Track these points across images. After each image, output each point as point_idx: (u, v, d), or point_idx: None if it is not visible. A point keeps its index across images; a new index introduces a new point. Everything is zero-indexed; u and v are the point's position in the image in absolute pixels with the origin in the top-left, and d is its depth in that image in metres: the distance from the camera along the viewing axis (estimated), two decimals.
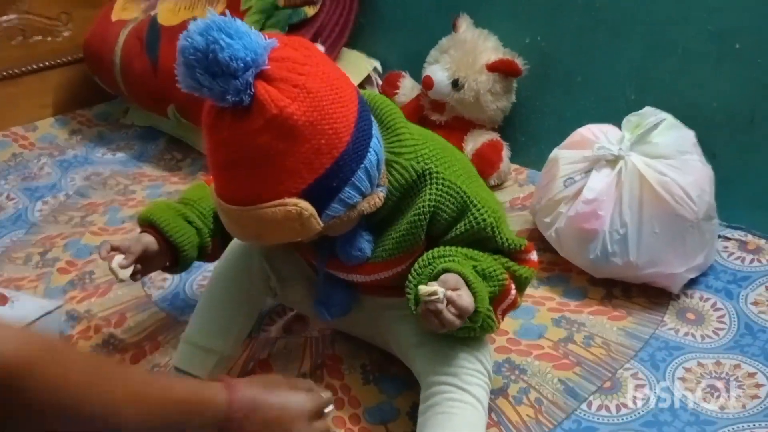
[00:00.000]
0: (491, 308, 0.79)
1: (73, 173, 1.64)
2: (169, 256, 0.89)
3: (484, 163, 1.42)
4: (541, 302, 1.10)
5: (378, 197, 0.76)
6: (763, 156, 1.18)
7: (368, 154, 0.72)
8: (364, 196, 0.74)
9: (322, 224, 0.71)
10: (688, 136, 1.10)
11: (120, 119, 1.87)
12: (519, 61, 1.39)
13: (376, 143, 0.75)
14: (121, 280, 0.84)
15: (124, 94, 1.69)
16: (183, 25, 1.46)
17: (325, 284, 0.90)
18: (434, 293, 0.71)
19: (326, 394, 0.78)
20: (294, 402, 0.73)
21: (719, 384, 0.92)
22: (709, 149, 1.14)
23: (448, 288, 0.73)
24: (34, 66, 1.81)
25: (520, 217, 1.33)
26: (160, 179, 1.60)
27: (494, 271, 0.79)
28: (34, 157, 1.70)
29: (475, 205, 0.80)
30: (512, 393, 0.92)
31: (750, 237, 1.17)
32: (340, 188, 0.71)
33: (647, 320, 1.05)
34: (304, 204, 0.69)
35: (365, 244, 0.81)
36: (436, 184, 0.79)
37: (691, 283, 1.10)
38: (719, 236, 1.16)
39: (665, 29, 1.22)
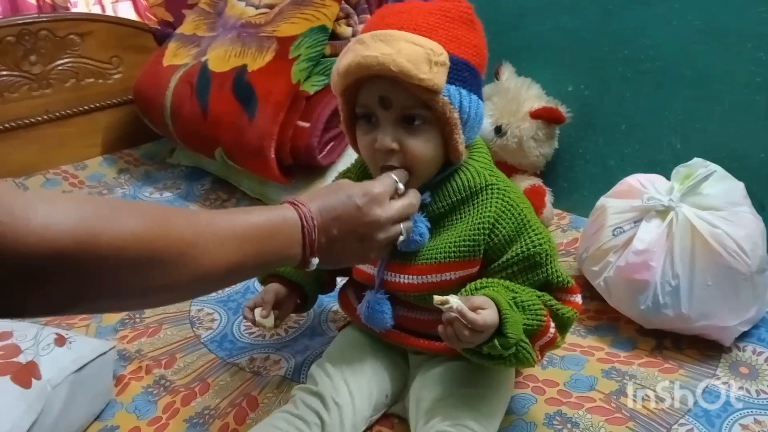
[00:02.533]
0: (527, 341, 0.79)
1: None
2: (297, 294, 0.99)
3: (531, 206, 1.43)
4: (590, 352, 1.09)
5: (463, 147, 0.82)
6: None
7: (482, 107, 0.83)
8: (467, 114, 0.79)
9: (442, 90, 0.76)
10: (739, 187, 1.10)
11: (166, 159, 1.92)
12: (562, 109, 1.41)
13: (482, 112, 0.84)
14: (270, 329, 0.92)
15: (172, 136, 1.74)
16: (233, 72, 1.54)
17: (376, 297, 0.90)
18: (446, 301, 0.72)
19: (396, 175, 0.79)
20: (358, 192, 0.74)
21: None
22: (759, 200, 1.13)
23: (472, 305, 0.73)
24: (85, 107, 1.88)
25: (564, 263, 1.33)
26: None
27: (533, 305, 0.79)
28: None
29: (533, 229, 0.83)
30: None
31: None
32: (466, 84, 0.78)
33: (700, 374, 1.03)
34: (446, 55, 0.76)
35: (424, 229, 0.83)
36: (501, 199, 0.83)
37: (744, 336, 1.08)
38: None
39: (711, 81, 1.23)
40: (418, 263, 0.85)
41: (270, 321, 0.90)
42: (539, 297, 0.82)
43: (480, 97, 0.82)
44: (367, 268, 0.91)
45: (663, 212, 1.07)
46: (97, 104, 1.90)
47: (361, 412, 0.90)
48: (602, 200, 1.18)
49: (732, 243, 1.00)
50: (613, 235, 1.11)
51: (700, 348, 1.08)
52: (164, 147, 1.95)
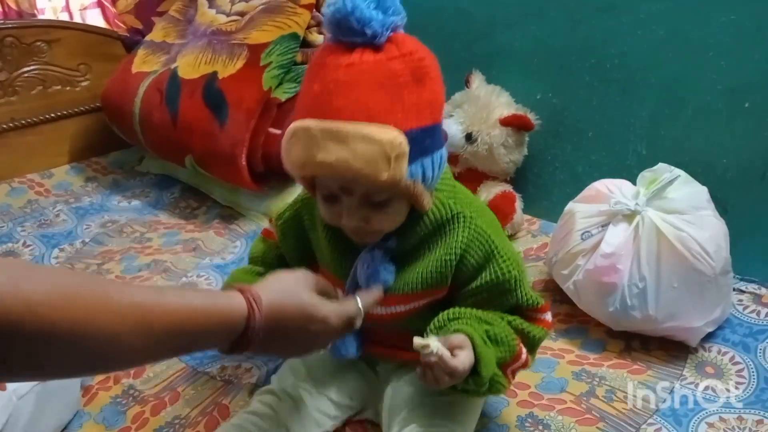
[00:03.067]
0: (500, 372, 0.80)
1: (89, 221, 1.66)
2: None
3: (498, 214, 1.40)
4: (561, 355, 1.11)
5: (429, 200, 0.79)
6: None
7: (443, 150, 0.77)
8: (431, 179, 0.76)
9: (405, 177, 0.71)
10: (702, 191, 1.12)
11: (135, 167, 1.90)
12: (531, 116, 1.43)
13: (445, 158, 0.79)
14: None
15: (141, 144, 1.72)
16: (203, 79, 1.53)
17: None
18: (427, 346, 0.72)
19: (363, 299, 0.76)
20: (316, 316, 0.69)
21: None
22: (721, 204, 1.16)
23: (450, 345, 0.74)
24: (52, 115, 1.86)
25: (534, 267, 1.35)
26: (175, 227, 1.62)
27: (506, 336, 0.80)
28: (49, 204, 1.72)
29: (501, 256, 0.82)
30: None
31: (764, 290, 1.19)
32: (427, 153, 0.73)
33: (667, 374, 1.05)
34: (405, 141, 0.70)
35: (388, 276, 0.81)
36: (468, 228, 0.81)
37: (709, 337, 1.11)
38: (734, 289, 1.17)
39: (676, 88, 1.26)
40: (387, 295, 0.82)
41: None
42: (510, 323, 0.83)
43: (441, 144, 0.76)
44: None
45: (629, 216, 1.09)
46: (65, 112, 1.88)
47: (321, 407, 0.91)
48: (570, 205, 1.20)
49: (696, 245, 1.02)
50: (582, 239, 1.12)
51: (667, 349, 1.10)
52: (133, 155, 1.93)
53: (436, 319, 0.82)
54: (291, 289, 0.70)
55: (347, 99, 0.69)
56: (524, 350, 0.83)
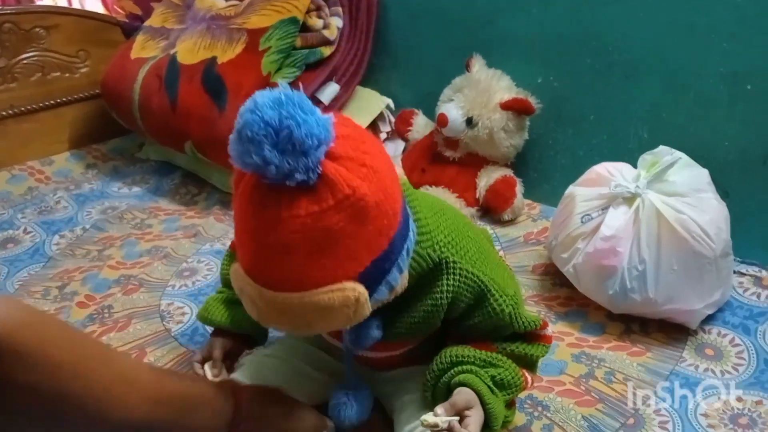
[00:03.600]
0: (509, 413, 0.82)
1: (90, 207, 1.66)
2: (244, 340, 0.94)
3: (498, 199, 1.44)
4: (560, 338, 1.11)
5: (405, 279, 0.72)
6: None
7: (409, 232, 0.70)
8: (398, 282, 0.70)
9: (370, 310, 0.67)
10: (703, 174, 1.12)
11: (135, 154, 1.89)
12: (532, 100, 1.42)
13: (410, 220, 0.72)
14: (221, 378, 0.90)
15: (141, 130, 1.72)
16: (202, 64, 1.52)
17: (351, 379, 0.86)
18: (436, 425, 0.72)
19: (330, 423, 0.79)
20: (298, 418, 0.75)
21: (742, 421, 0.93)
22: (723, 188, 1.16)
23: (458, 409, 0.74)
24: (52, 102, 1.85)
25: (534, 251, 1.35)
26: (176, 213, 1.62)
27: (513, 377, 0.80)
28: (50, 191, 1.72)
29: (492, 295, 0.79)
30: (536, 430, 0.92)
31: (764, 273, 1.19)
32: (389, 270, 0.67)
33: (666, 356, 1.06)
34: (361, 288, 0.64)
35: (376, 332, 0.77)
36: (454, 274, 0.77)
37: (709, 319, 1.11)
38: (734, 272, 1.17)
39: (677, 72, 1.26)
40: (380, 343, 0.79)
41: (221, 376, 0.89)
42: (513, 351, 0.82)
43: (399, 247, 0.68)
44: (335, 341, 0.89)
45: (630, 199, 1.08)
46: (64, 99, 1.88)
47: (316, 377, 0.92)
48: (571, 188, 1.19)
49: (696, 228, 1.02)
50: (582, 222, 1.12)
51: (667, 331, 1.10)
52: (133, 142, 1.92)
53: (438, 358, 0.81)
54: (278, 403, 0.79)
55: (285, 271, 0.62)
56: (529, 380, 0.83)
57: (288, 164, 0.58)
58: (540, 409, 0.95)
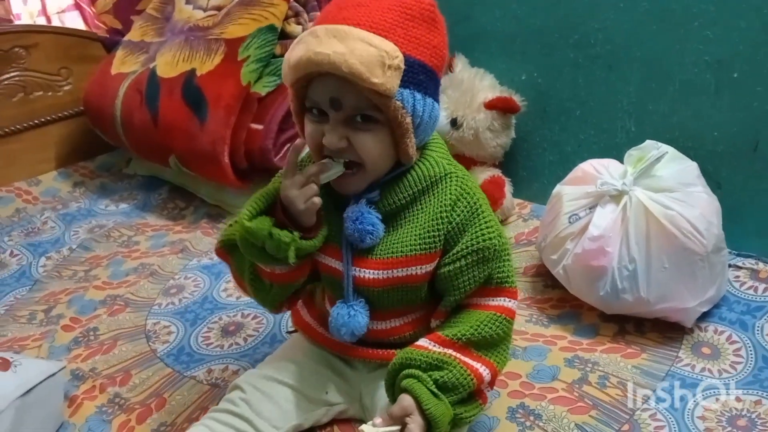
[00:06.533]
0: (462, 410, 0.80)
1: (77, 226, 1.64)
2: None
3: (487, 200, 1.41)
4: (553, 341, 1.08)
5: (413, 149, 0.79)
6: None
7: (437, 104, 0.80)
8: (420, 118, 0.77)
9: (395, 94, 0.73)
10: (692, 167, 1.09)
11: (122, 169, 1.88)
12: (516, 98, 1.39)
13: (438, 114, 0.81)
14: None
15: (125, 146, 1.70)
16: (181, 77, 1.50)
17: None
18: None
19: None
20: None
21: (741, 422, 0.90)
22: (714, 179, 1.13)
23: (395, 417, 0.76)
24: (36, 121, 1.83)
25: (526, 252, 1.32)
26: (163, 229, 1.60)
27: (459, 378, 0.79)
28: (37, 212, 1.71)
29: (485, 220, 0.82)
30: None
31: (761, 265, 1.15)
32: (420, 88, 0.76)
33: (662, 357, 1.03)
34: (401, 58, 0.73)
35: (375, 220, 0.81)
36: (458, 186, 0.82)
37: (705, 316, 1.08)
38: (730, 266, 1.14)
39: (661, 61, 1.23)
40: (384, 257, 0.82)
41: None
42: (470, 338, 0.81)
43: (436, 99, 0.80)
44: (334, 263, 0.87)
45: (617, 197, 1.05)
46: (48, 118, 1.86)
47: (291, 399, 0.90)
48: (558, 188, 1.17)
49: (686, 224, 0.99)
50: (569, 222, 1.09)
51: (662, 331, 1.07)
52: (120, 157, 1.91)
53: (393, 362, 0.81)
54: None
55: (356, 12, 0.74)
56: (485, 374, 0.81)
57: None
58: (532, 418, 0.93)
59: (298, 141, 0.81)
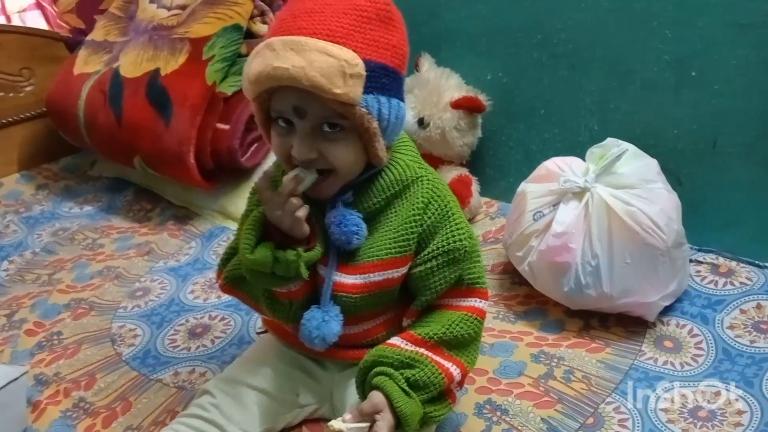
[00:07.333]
0: (432, 409, 0.80)
1: (40, 230, 1.61)
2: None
3: (458, 202, 1.42)
4: (519, 338, 1.09)
5: (384, 151, 0.79)
6: (729, 179, 1.20)
7: (402, 102, 0.79)
8: (387, 121, 0.76)
9: (359, 102, 0.72)
10: (652, 164, 1.11)
11: (87, 171, 1.84)
12: (482, 97, 1.40)
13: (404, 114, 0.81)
14: None
15: (89, 147, 1.67)
16: (146, 76, 1.48)
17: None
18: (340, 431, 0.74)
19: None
20: None
21: (702, 414, 0.92)
22: (675, 176, 1.15)
23: (365, 414, 0.76)
24: None
25: (493, 250, 1.33)
26: (129, 231, 1.58)
27: (430, 377, 0.79)
28: None
29: (456, 223, 0.83)
30: None
31: (721, 260, 1.18)
32: (384, 91, 0.75)
33: (626, 350, 1.04)
34: (362, 65, 0.72)
35: (358, 220, 0.81)
36: (430, 189, 0.83)
37: (667, 310, 1.10)
38: (691, 260, 1.16)
39: (622, 60, 1.25)
40: (361, 262, 0.83)
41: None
42: (442, 338, 0.81)
43: (401, 98, 0.79)
44: (318, 268, 0.86)
45: (579, 194, 1.07)
46: (10, 119, 1.82)
47: (262, 403, 0.89)
48: (522, 186, 1.18)
49: (646, 219, 1.01)
50: (534, 219, 1.11)
51: (625, 325, 1.09)
52: (85, 159, 1.87)
53: (364, 359, 0.81)
54: None
55: (311, 20, 0.73)
56: (454, 374, 0.81)
57: None
58: (499, 414, 0.93)
59: (268, 168, 0.80)
